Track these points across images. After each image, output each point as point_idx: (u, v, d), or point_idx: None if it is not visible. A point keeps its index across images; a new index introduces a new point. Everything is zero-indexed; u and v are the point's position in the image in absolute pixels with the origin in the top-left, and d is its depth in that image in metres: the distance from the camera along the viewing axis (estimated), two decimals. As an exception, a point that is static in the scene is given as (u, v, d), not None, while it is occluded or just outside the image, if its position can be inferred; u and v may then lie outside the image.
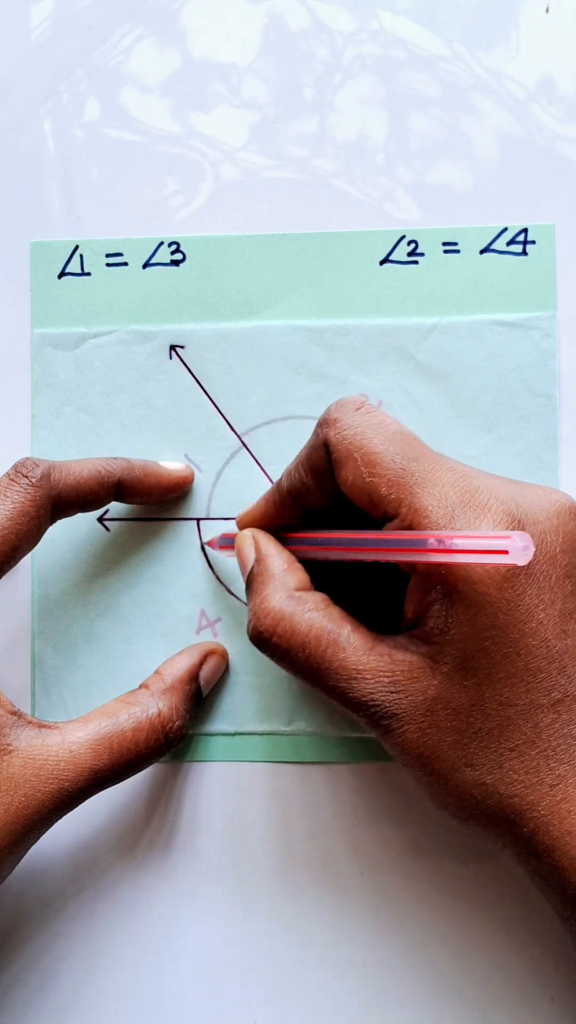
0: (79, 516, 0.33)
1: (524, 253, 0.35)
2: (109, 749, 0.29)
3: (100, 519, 0.35)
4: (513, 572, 0.25)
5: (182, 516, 0.35)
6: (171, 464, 0.35)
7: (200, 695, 0.33)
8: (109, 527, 0.35)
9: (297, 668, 0.28)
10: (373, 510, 0.27)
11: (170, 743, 0.31)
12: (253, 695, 0.34)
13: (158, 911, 0.34)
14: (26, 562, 0.35)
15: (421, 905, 0.33)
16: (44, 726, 0.29)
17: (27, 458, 0.31)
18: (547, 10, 0.35)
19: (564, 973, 0.33)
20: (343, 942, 0.34)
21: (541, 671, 0.25)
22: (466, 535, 0.24)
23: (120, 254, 0.36)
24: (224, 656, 0.34)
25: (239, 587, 0.35)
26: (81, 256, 0.36)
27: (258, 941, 0.34)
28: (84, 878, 0.34)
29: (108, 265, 0.36)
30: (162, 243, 0.36)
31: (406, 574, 0.27)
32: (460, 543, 0.24)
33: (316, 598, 0.28)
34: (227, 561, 0.35)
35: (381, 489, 0.26)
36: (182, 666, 0.33)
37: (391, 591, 0.30)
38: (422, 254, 0.35)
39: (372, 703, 0.26)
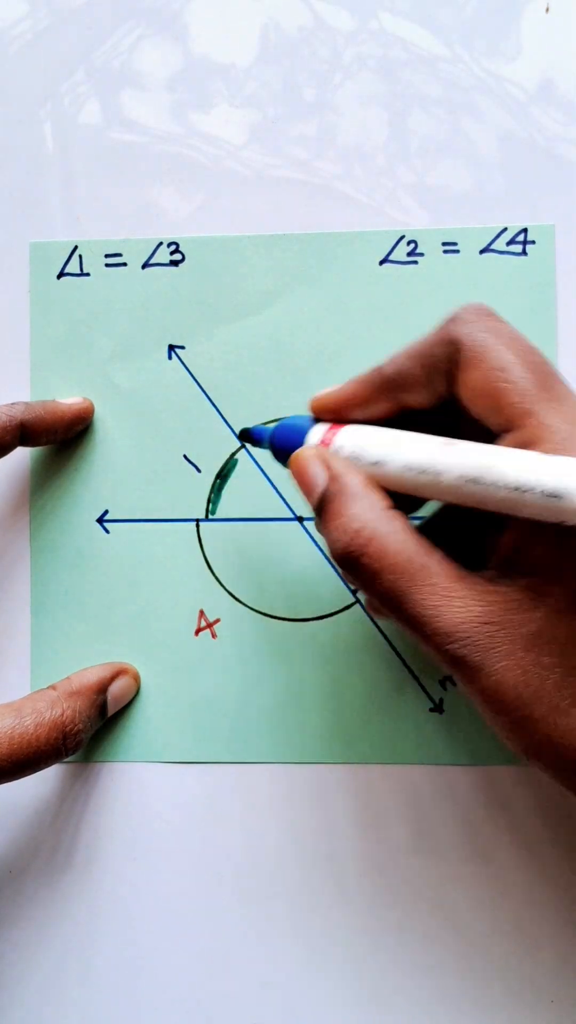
0: (78, 516, 0.33)
1: (524, 253, 0.35)
2: (9, 740, 0.29)
3: (100, 520, 0.35)
4: None
5: (182, 517, 0.35)
6: (69, 399, 0.35)
7: (106, 709, 0.33)
8: (109, 528, 0.35)
9: (380, 592, 0.25)
10: (494, 417, 0.25)
11: (67, 746, 0.31)
12: (253, 695, 0.34)
13: (158, 911, 0.34)
14: (26, 563, 0.35)
15: (421, 906, 0.33)
16: None
17: None
18: (547, 10, 0.35)
19: (564, 975, 0.33)
20: (343, 943, 0.34)
21: None
22: None
23: (119, 254, 0.36)
24: (136, 679, 0.35)
25: (238, 587, 0.35)
26: (80, 256, 0.36)
27: (258, 942, 0.34)
28: (83, 878, 0.34)
29: (107, 265, 0.36)
30: (161, 243, 0.36)
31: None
32: None
33: (405, 520, 0.26)
34: (227, 561, 0.35)
35: (513, 396, 0.25)
36: (92, 675, 0.33)
37: (468, 521, 0.28)
38: (422, 254, 0.35)
39: (462, 635, 0.24)
